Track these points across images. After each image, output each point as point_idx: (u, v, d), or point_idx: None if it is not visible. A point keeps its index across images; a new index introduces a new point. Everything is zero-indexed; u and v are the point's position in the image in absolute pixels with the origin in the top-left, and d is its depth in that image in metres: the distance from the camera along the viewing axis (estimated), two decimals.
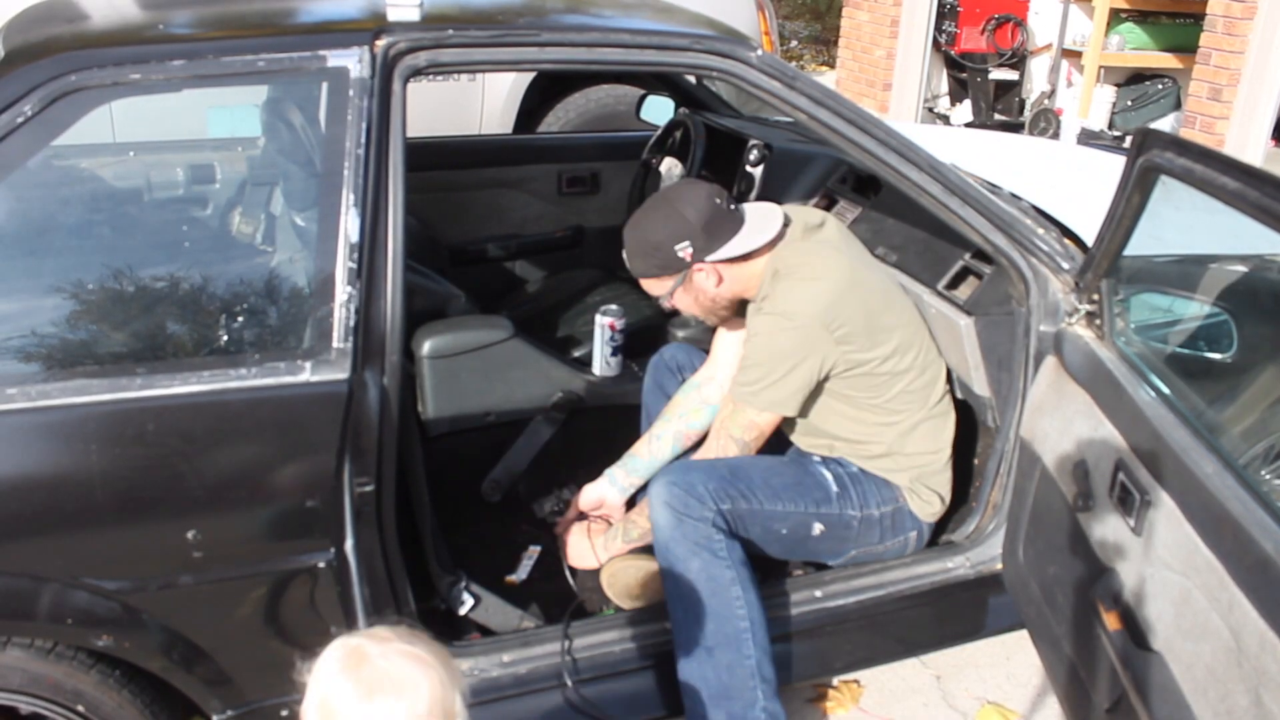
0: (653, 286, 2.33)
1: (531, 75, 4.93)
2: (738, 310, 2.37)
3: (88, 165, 2.38)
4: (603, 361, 2.86)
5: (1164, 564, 1.68)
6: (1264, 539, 1.45)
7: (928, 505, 2.36)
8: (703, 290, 2.29)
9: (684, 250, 2.22)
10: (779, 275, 2.22)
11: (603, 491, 2.57)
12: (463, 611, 2.20)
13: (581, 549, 2.47)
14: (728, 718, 2.11)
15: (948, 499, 2.40)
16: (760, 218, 2.29)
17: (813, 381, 2.23)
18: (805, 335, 2.18)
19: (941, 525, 2.60)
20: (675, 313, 2.54)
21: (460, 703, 1.34)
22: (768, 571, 2.39)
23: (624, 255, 2.33)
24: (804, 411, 2.32)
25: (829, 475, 2.31)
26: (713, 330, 2.56)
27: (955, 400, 2.48)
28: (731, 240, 2.23)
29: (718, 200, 2.25)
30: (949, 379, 2.53)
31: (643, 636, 2.19)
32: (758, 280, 2.27)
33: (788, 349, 2.19)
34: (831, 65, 9.61)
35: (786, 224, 2.30)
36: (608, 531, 2.45)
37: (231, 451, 1.78)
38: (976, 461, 2.74)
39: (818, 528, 2.27)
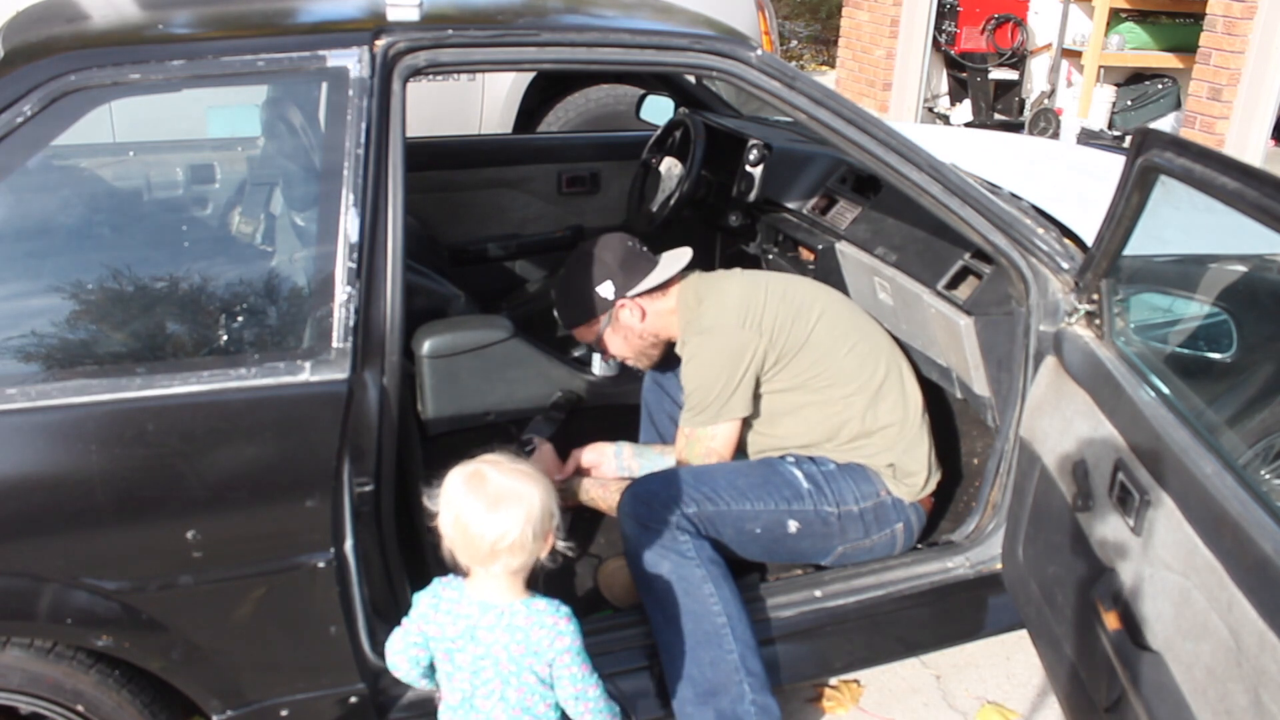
0: (584, 333, 2.50)
1: (531, 75, 4.93)
2: (665, 352, 2.52)
3: (88, 165, 2.38)
4: (602, 361, 2.86)
5: (1163, 564, 1.68)
6: (1263, 539, 1.45)
7: (911, 484, 2.36)
8: (629, 328, 2.44)
9: (606, 290, 2.40)
10: (692, 308, 2.39)
11: (605, 456, 2.57)
12: None
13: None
14: (717, 715, 2.12)
15: (932, 470, 2.40)
16: (670, 255, 2.48)
17: (753, 381, 2.32)
18: (730, 340, 2.29)
19: (937, 522, 2.60)
20: (620, 364, 2.63)
21: (556, 507, 1.69)
22: (763, 574, 2.39)
23: (555, 315, 2.52)
24: (766, 421, 2.39)
25: (799, 474, 2.32)
26: None
27: (921, 377, 2.50)
28: (649, 275, 2.42)
29: (630, 244, 2.46)
30: (951, 376, 2.52)
31: (640, 637, 2.19)
32: (675, 316, 2.43)
33: (720, 360, 2.29)
34: (831, 65, 9.61)
35: (692, 265, 2.48)
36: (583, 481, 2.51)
37: (231, 451, 1.78)
38: (976, 461, 2.75)
39: (793, 525, 2.27)
